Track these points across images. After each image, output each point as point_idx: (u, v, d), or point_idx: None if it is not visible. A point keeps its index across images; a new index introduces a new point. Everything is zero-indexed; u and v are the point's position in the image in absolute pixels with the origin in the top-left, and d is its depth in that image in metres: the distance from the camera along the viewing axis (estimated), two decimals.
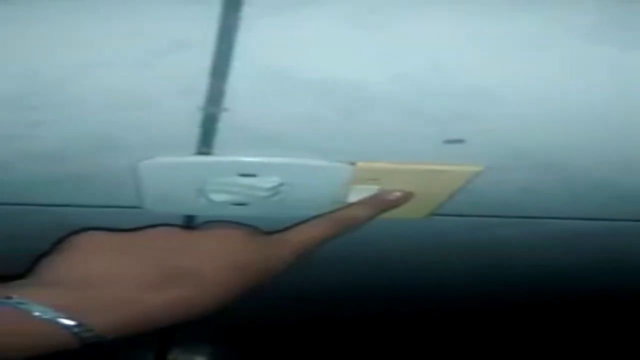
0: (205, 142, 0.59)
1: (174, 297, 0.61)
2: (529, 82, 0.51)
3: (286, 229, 0.70)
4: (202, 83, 0.49)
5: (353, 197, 0.69)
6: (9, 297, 0.57)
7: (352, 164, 0.63)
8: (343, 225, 0.69)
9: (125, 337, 0.61)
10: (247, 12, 0.42)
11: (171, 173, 0.63)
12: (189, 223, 0.78)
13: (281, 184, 0.65)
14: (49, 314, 0.56)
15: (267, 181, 0.65)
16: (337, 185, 0.67)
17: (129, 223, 0.74)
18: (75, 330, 0.57)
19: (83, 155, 0.60)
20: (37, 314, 0.56)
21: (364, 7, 0.43)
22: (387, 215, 0.72)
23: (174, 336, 1.66)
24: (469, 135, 0.59)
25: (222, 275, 0.63)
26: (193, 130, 0.57)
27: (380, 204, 0.69)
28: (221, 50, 0.46)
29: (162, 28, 0.44)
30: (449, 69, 0.49)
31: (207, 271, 0.62)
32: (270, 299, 1.06)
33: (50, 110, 0.52)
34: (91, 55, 0.46)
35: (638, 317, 1.38)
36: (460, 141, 0.59)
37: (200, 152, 0.61)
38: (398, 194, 0.69)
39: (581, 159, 0.63)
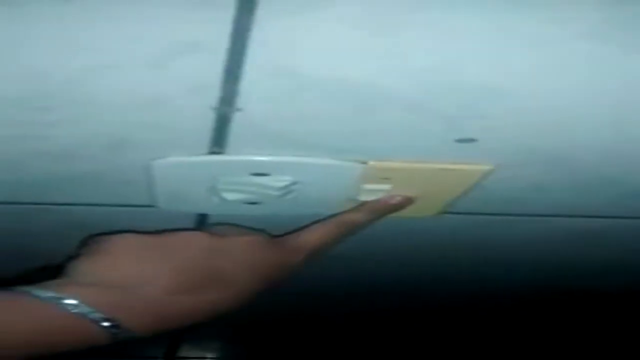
0: (218, 141, 0.59)
1: (205, 299, 0.64)
2: (539, 80, 0.51)
3: (290, 232, 0.72)
4: (215, 83, 0.50)
5: (365, 196, 0.69)
6: (50, 296, 0.58)
7: (364, 162, 0.64)
8: (345, 229, 0.72)
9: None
10: (260, 13, 0.43)
11: (184, 172, 0.64)
12: (202, 222, 0.79)
13: (293, 183, 0.66)
14: (88, 313, 0.58)
15: (280, 180, 0.65)
16: (348, 184, 0.67)
17: (142, 222, 0.75)
18: (112, 329, 0.59)
19: (96, 155, 0.61)
20: (76, 311, 0.58)
21: (374, 7, 0.43)
22: (398, 213, 0.73)
23: (184, 333, 1.67)
24: (480, 133, 0.59)
25: (246, 278, 0.66)
26: (206, 130, 0.57)
27: (382, 207, 0.71)
28: (234, 50, 0.46)
29: (176, 29, 0.44)
30: (458, 67, 0.49)
31: (234, 274, 0.65)
32: (281, 296, 1.06)
33: (63, 111, 0.53)
34: (104, 56, 0.47)
35: None
36: (471, 140, 0.60)
37: (213, 152, 0.61)
38: (400, 198, 0.70)
39: (591, 155, 0.63)
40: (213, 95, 0.51)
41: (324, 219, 0.72)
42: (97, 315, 0.58)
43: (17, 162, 0.61)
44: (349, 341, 1.65)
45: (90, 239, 0.66)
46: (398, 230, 0.83)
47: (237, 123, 0.56)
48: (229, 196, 0.68)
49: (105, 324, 0.59)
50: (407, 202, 0.71)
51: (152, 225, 0.77)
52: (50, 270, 0.64)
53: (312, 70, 0.49)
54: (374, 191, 0.68)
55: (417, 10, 0.43)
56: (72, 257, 0.65)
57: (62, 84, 0.49)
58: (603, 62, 0.49)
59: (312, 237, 0.70)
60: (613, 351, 1.64)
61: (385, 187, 0.68)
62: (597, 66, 0.50)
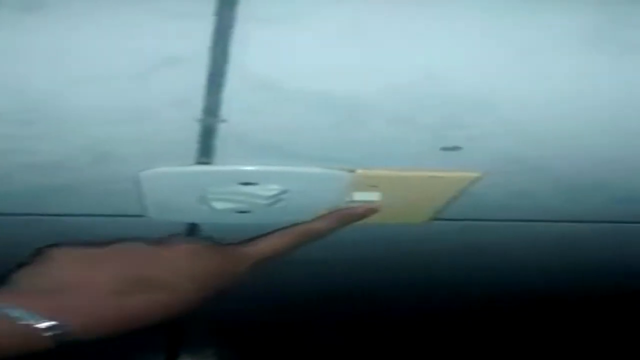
0: (205, 152, 0.59)
1: (142, 302, 0.66)
2: (523, 89, 0.52)
3: (248, 240, 0.72)
4: (198, 95, 0.50)
5: (353, 204, 0.69)
6: None
7: (352, 171, 0.64)
8: (306, 237, 0.73)
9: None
10: (241, 26, 0.43)
11: (172, 182, 0.64)
12: (192, 231, 0.79)
13: (282, 192, 0.66)
14: (26, 316, 0.60)
15: (268, 189, 0.66)
16: (337, 192, 0.67)
17: (132, 231, 0.75)
18: (51, 331, 0.60)
19: (83, 167, 0.61)
20: (15, 315, 0.59)
21: (357, 19, 0.44)
22: (388, 220, 0.73)
23: (183, 341, 1.67)
24: (465, 142, 0.59)
25: (185, 284, 0.67)
26: (192, 141, 0.57)
27: (344, 217, 0.72)
28: (216, 63, 0.46)
29: (157, 41, 0.44)
30: (442, 78, 0.50)
31: (172, 280, 0.67)
32: (278, 302, 1.07)
33: (46, 124, 0.53)
34: (87, 69, 0.47)
35: (636, 318, 1.38)
36: (456, 148, 0.60)
37: (200, 162, 0.61)
38: (364, 207, 0.71)
39: (576, 162, 0.64)
40: (197, 106, 0.52)
41: (284, 228, 0.73)
42: (34, 318, 0.60)
43: (5, 174, 0.62)
44: (345, 346, 1.65)
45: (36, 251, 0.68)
46: (387, 237, 0.83)
47: (223, 134, 0.56)
48: (219, 205, 0.68)
49: (43, 324, 0.60)
50: (371, 211, 0.71)
51: (142, 235, 0.77)
52: None
53: (295, 82, 0.49)
54: (362, 198, 0.69)
55: (400, 22, 0.44)
56: (20, 266, 0.66)
57: (44, 97, 0.50)
58: (589, 71, 0.50)
59: (266, 245, 0.72)
60: (603, 353, 1.64)
61: (374, 195, 0.68)
62: (583, 75, 0.50)
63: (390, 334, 1.53)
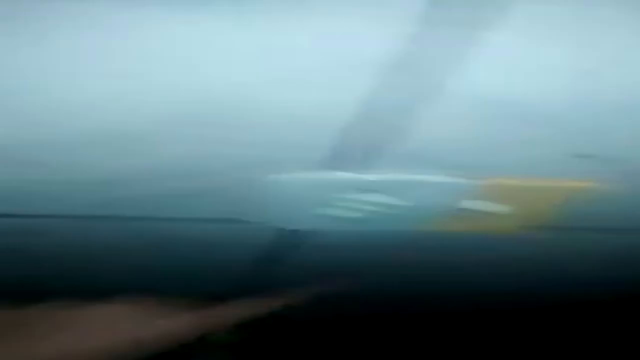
0: (333, 160, 0.58)
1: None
2: None
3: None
4: (363, 100, 0.48)
5: (474, 213, 0.68)
6: None
7: (474, 179, 0.63)
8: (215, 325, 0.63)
9: None
10: (424, 33, 0.41)
11: (295, 188, 0.62)
12: (281, 236, 0.77)
13: (401, 201, 0.64)
14: None
15: (388, 198, 0.64)
16: (451, 201, 0.66)
17: (221, 236, 0.74)
18: None
19: (215, 173, 0.59)
20: None
21: (539, 30, 0.42)
22: (483, 227, 0.72)
23: None
24: (600, 149, 0.58)
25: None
26: (328, 147, 0.55)
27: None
28: (398, 68, 0.44)
29: (342, 45, 0.42)
30: (604, 84, 0.48)
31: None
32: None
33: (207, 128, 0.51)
34: (252, 73, 0.45)
35: None
36: (590, 156, 0.59)
37: (327, 169, 0.59)
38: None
39: None
40: (350, 113, 0.50)
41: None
42: None
43: (139, 180, 0.60)
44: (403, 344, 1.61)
45: None
46: (481, 245, 0.82)
47: (362, 141, 0.54)
48: (331, 212, 0.66)
49: None
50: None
51: (230, 240, 0.76)
52: None
53: (464, 88, 0.48)
54: (483, 208, 0.67)
55: (568, 27, 0.42)
56: None
57: (216, 100, 0.47)
58: None
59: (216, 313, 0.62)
60: None
61: (492, 204, 0.67)
62: None
63: (476, 338, 1.49)
